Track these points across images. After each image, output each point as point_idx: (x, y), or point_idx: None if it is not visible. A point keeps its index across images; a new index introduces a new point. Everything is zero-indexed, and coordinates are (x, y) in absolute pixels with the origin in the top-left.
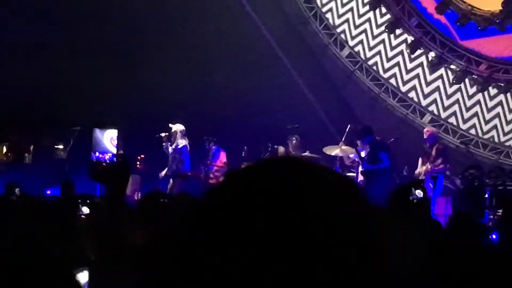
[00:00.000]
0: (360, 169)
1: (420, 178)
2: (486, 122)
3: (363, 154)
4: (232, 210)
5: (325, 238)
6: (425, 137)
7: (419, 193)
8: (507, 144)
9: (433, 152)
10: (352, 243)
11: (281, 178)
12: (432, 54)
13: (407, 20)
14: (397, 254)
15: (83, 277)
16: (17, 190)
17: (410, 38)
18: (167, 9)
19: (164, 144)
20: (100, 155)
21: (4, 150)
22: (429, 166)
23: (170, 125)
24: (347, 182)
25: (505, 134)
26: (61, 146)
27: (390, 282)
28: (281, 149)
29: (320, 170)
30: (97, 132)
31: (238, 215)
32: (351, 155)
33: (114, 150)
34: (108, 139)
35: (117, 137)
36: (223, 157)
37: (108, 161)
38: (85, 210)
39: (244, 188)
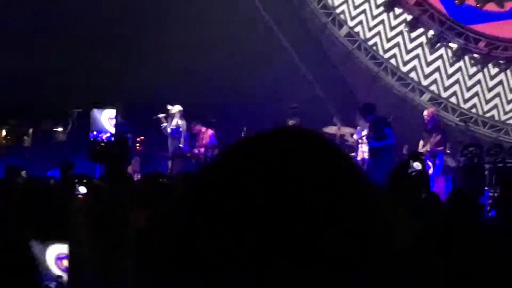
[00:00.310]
0: (364, 147)
1: None
2: (487, 101)
3: (364, 132)
4: (228, 188)
5: (326, 220)
6: (425, 120)
7: (417, 165)
8: (507, 122)
9: (433, 134)
10: (354, 224)
11: (277, 149)
12: (431, 33)
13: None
14: (398, 231)
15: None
16: (23, 172)
17: (409, 17)
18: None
19: (162, 125)
20: (98, 135)
21: (4, 133)
22: (428, 148)
23: (169, 106)
24: (345, 156)
25: (505, 112)
26: (60, 129)
27: (390, 261)
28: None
29: (320, 142)
30: (95, 112)
31: (234, 193)
32: (354, 135)
33: (113, 130)
34: (106, 119)
35: (115, 116)
36: (213, 139)
37: (106, 141)
38: (82, 189)
39: (238, 163)
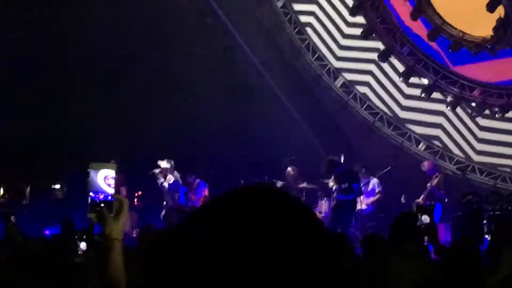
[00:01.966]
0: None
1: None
2: (481, 147)
3: (330, 184)
4: (194, 248)
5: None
6: (424, 170)
7: (425, 218)
8: (503, 169)
9: (433, 182)
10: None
11: (242, 211)
12: (425, 81)
13: (399, 48)
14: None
15: None
16: (12, 217)
17: (402, 66)
18: (159, 44)
19: (159, 181)
20: (96, 195)
21: (1, 191)
22: (424, 197)
23: (159, 162)
24: (310, 214)
25: (501, 159)
26: (58, 186)
27: None
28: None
29: (287, 202)
30: (92, 172)
31: (199, 251)
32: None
33: (109, 190)
34: (102, 179)
35: (113, 177)
36: (205, 191)
37: (104, 201)
38: (83, 246)
39: (204, 224)
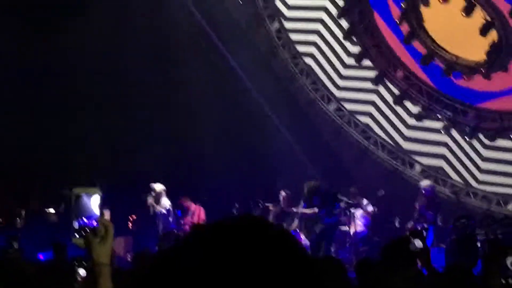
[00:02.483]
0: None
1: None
2: (481, 171)
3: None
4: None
5: None
6: (422, 192)
7: (418, 242)
8: (497, 192)
9: (421, 201)
10: None
11: (231, 243)
12: (419, 106)
13: (393, 73)
14: None
15: None
16: (14, 243)
17: (396, 91)
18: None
19: (152, 207)
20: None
21: None
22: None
23: (152, 185)
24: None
25: (497, 184)
26: (52, 210)
27: None
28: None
29: (276, 235)
30: (84, 197)
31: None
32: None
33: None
34: (96, 205)
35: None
36: (202, 215)
37: (87, 226)
38: (82, 272)
39: (192, 250)
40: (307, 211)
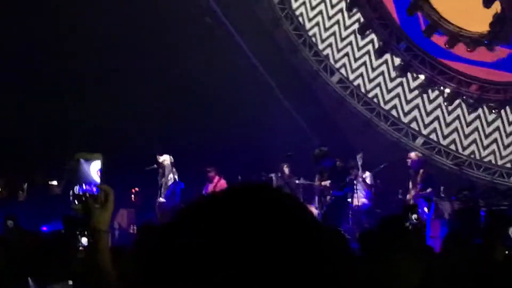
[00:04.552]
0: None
1: (411, 202)
2: (484, 147)
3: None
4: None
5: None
6: (408, 164)
7: (415, 217)
8: (500, 164)
9: (418, 178)
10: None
11: (236, 208)
12: (422, 77)
13: (395, 44)
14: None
15: None
16: (9, 222)
17: (399, 61)
18: (152, 36)
19: (159, 177)
20: (88, 188)
21: None
22: (412, 192)
23: (158, 157)
24: (303, 209)
25: (501, 157)
26: (55, 182)
27: None
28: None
29: (281, 198)
30: (83, 164)
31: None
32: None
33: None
34: (95, 171)
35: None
36: (223, 185)
37: (89, 194)
38: (84, 241)
39: (198, 220)
40: (323, 183)
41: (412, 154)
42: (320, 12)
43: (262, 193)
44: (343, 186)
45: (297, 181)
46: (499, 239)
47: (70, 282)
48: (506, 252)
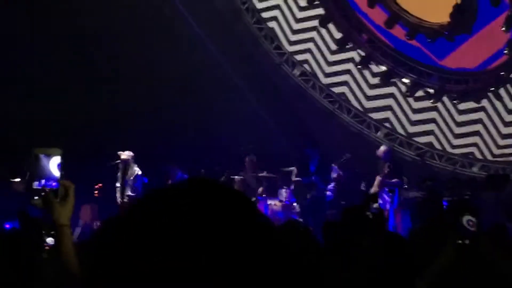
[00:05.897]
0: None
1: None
2: (443, 134)
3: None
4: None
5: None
6: (380, 156)
7: (376, 206)
8: (460, 152)
9: (385, 169)
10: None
11: (182, 202)
12: (383, 68)
13: (357, 36)
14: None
15: None
16: None
17: (361, 54)
18: (123, 36)
19: (119, 173)
20: (47, 183)
21: None
22: (379, 179)
23: (120, 153)
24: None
25: (455, 146)
26: (18, 179)
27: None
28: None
29: (225, 193)
30: (43, 158)
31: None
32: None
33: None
34: (55, 166)
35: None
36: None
37: (49, 188)
38: (50, 241)
39: (144, 214)
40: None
41: (382, 148)
42: (279, 6)
43: (204, 189)
44: (312, 175)
45: (259, 174)
46: (453, 229)
47: None
48: (459, 241)
